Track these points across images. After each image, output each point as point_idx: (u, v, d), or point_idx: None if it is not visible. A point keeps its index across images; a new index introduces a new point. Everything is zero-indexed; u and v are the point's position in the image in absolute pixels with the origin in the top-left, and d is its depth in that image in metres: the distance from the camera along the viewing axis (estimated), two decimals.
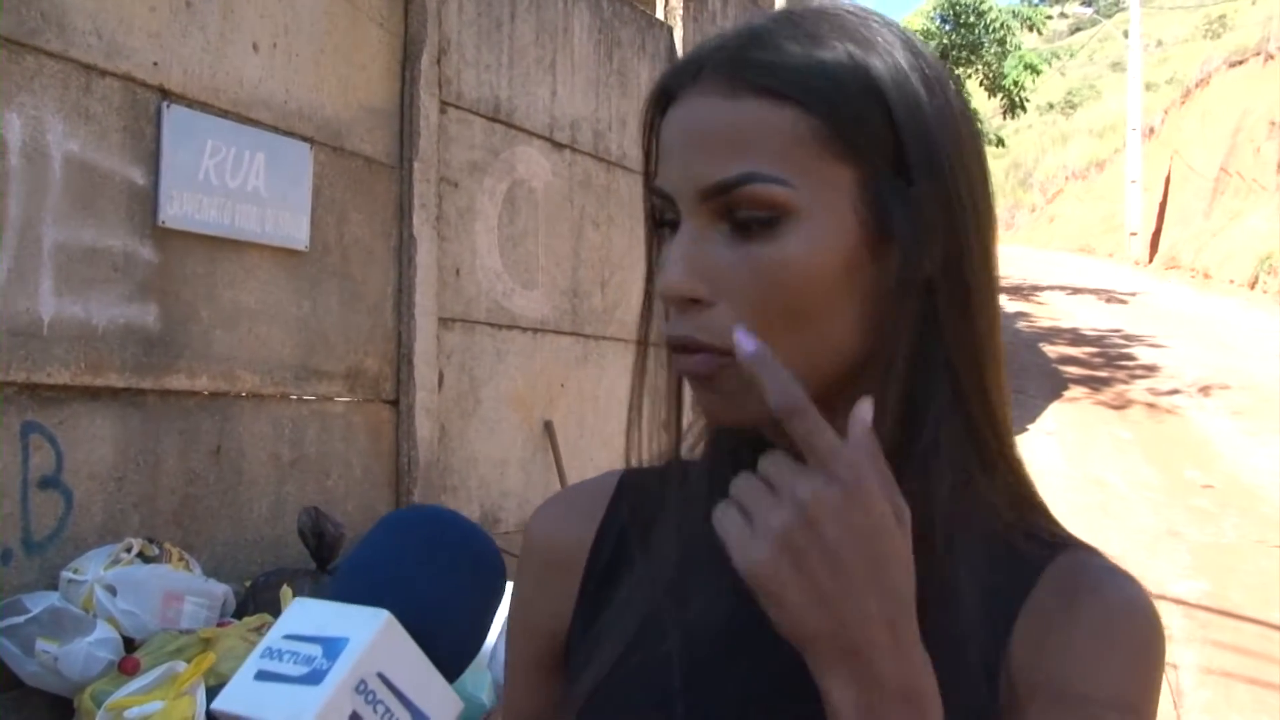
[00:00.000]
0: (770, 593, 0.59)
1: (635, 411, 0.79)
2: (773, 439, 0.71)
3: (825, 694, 0.60)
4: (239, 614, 3.19)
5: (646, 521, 0.77)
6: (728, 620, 0.71)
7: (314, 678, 0.53)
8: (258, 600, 3.25)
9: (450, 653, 0.59)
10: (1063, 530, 0.76)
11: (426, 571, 0.60)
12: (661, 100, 0.71)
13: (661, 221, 0.71)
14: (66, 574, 2.92)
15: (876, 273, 0.67)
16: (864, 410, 0.61)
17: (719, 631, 0.71)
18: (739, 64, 0.67)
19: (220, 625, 3.05)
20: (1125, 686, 0.68)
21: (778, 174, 0.65)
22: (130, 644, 2.90)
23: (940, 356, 0.68)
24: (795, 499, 0.59)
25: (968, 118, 0.70)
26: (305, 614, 0.58)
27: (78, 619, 2.83)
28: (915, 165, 0.66)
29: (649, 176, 0.72)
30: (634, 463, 0.79)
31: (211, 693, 2.72)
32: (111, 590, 2.89)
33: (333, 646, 0.54)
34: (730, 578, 0.65)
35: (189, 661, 2.78)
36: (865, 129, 0.66)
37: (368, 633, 0.54)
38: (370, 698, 0.54)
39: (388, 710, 0.54)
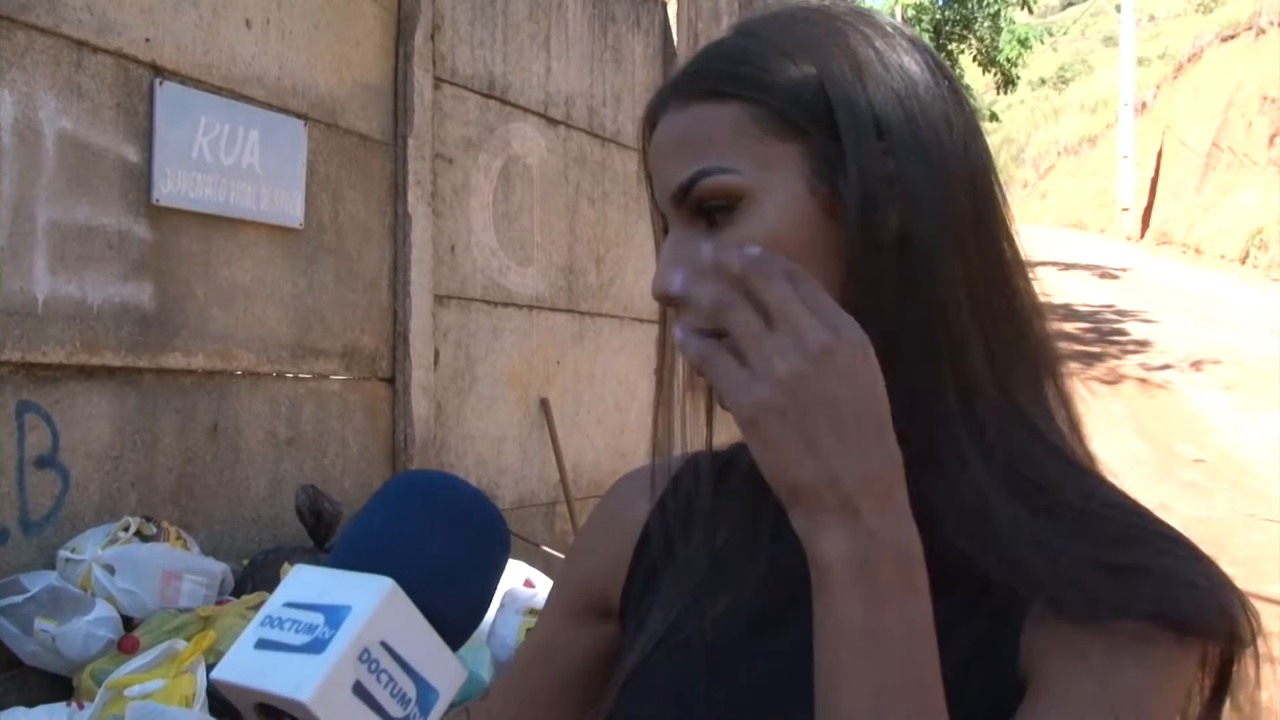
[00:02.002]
0: (768, 437, 0.61)
1: (662, 407, 0.85)
2: None
3: (812, 550, 0.62)
4: (237, 592, 3.20)
5: (697, 505, 0.82)
6: (759, 606, 0.75)
7: (316, 646, 0.53)
8: (256, 578, 3.26)
9: (454, 621, 0.58)
10: (1116, 494, 0.74)
11: (430, 538, 0.59)
12: (649, 127, 0.78)
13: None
14: (64, 553, 2.93)
15: (842, 236, 0.71)
16: None
17: (747, 616, 0.75)
18: (690, 77, 0.75)
19: (219, 603, 3.06)
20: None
21: (725, 164, 0.71)
22: (129, 623, 2.90)
23: (909, 309, 0.71)
24: (806, 346, 0.61)
25: (927, 84, 0.73)
26: (306, 581, 0.57)
27: (76, 598, 2.83)
28: (848, 131, 0.71)
29: (652, 196, 0.78)
30: (659, 455, 0.86)
31: (212, 671, 2.73)
32: (110, 569, 2.89)
33: (335, 615, 0.54)
34: (763, 562, 0.72)
35: (188, 640, 2.79)
36: (802, 106, 0.71)
37: (371, 601, 0.54)
38: (374, 666, 0.53)
39: (391, 679, 0.54)
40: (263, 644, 0.55)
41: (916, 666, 0.61)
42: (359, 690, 0.53)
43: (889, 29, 0.75)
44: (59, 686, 2.82)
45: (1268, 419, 8.90)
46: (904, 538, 0.62)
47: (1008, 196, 0.78)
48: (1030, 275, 0.76)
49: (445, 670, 0.56)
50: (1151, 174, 20.70)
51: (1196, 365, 10.75)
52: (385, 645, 0.54)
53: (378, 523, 0.61)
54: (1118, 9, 22.80)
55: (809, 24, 0.74)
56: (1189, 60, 21.68)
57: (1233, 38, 19.87)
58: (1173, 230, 18.82)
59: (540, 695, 0.88)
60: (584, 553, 0.91)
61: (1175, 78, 22.26)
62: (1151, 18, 29.94)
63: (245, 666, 0.55)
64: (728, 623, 0.75)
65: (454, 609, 0.59)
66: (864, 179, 0.70)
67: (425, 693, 0.55)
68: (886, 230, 0.70)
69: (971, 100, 0.76)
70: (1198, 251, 17.43)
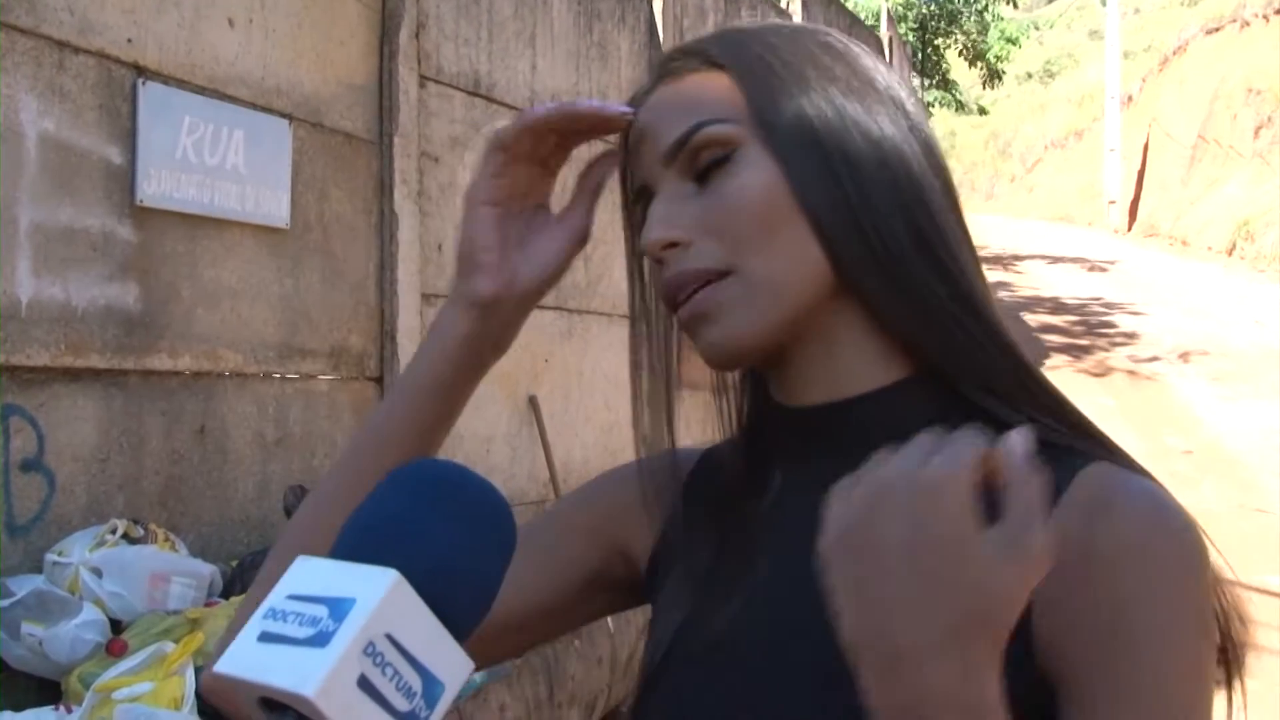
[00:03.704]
0: (828, 583, 0.58)
1: (638, 403, 0.84)
2: (771, 378, 0.78)
3: (866, 697, 0.57)
4: (226, 594, 3.18)
5: (706, 499, 0.83)
6: (767, 612, 0.74)
7: (320, 640, 0.52)
8: (245, 580, 3.23)
9: (460, 612, 0.57)
10: (1080, 429, 0.74)
11: (436, 528, 0.58)
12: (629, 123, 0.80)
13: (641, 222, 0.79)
14: (51, 557, 2.90)
15: (818, 209, 0.74)
16: (1016, 441, 0.58)
17: (756, 622, 0.74)
18: (677, 57, 0.79)
19: (208, 605, 3.04)
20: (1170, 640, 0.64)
21: (723, 116, 0.74)
22: (117, 626, 2.88)
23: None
24: (874, 480, 0.58)
25: (897, 139, 0.77)
26: (309, 573, 0.56)
27: (63, 601, 2.81)
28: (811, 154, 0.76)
29: (626, 192, 0.82)
30: (643, 453, 0.85)
31: (201, 673, 2.72)
32: (97, 572, 2.87)
33: (339, 607, 0.53)
34: (763, 569, 0.73)
35: (177, 642, 2.77)
36: (779, 115, 0.75)
37: (376, 593, 0.53)
38: (379, 660, 0.52)
39: (396, 673, 0.53)
40: (265, 637, 0.54)
41: None
42: (364, 684, 0.52)
43: (880, 86, 0.78)
44: (46, 690, 2.80)
45: (1255, 409, 8.94)
46: (972, 693, 0.55)
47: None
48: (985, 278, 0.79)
49: (451, 663, 0.55)
50: (1138, 167, 20.77)
51: (1184, 357, 10.79)
52: (390, 638, 0.53)
53: (383, 512, 0.60)
54: (1103, 2, 22.87)
55: (798, 45, 0.78)
56: (1174, 53, 21.74)
57: (1218, 30, 19.94)
58: (1160, 223, 18.90)
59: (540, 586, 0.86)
60: (605, 497, 0.89)
61: (1161, 70, 22.32)
62: (1137, 10, 30.05)
63: (248, 660, 0.53)
64: (735, 629, 0.74)
65: (460, 600, 0.57)
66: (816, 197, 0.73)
67: (431, 686, 0.54)
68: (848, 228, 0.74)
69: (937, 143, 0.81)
70: (1184, 244, 17.50)
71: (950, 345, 0.73)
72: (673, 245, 0.74)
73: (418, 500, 0.59)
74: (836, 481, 0.71)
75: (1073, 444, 0.72)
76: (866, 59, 0.79)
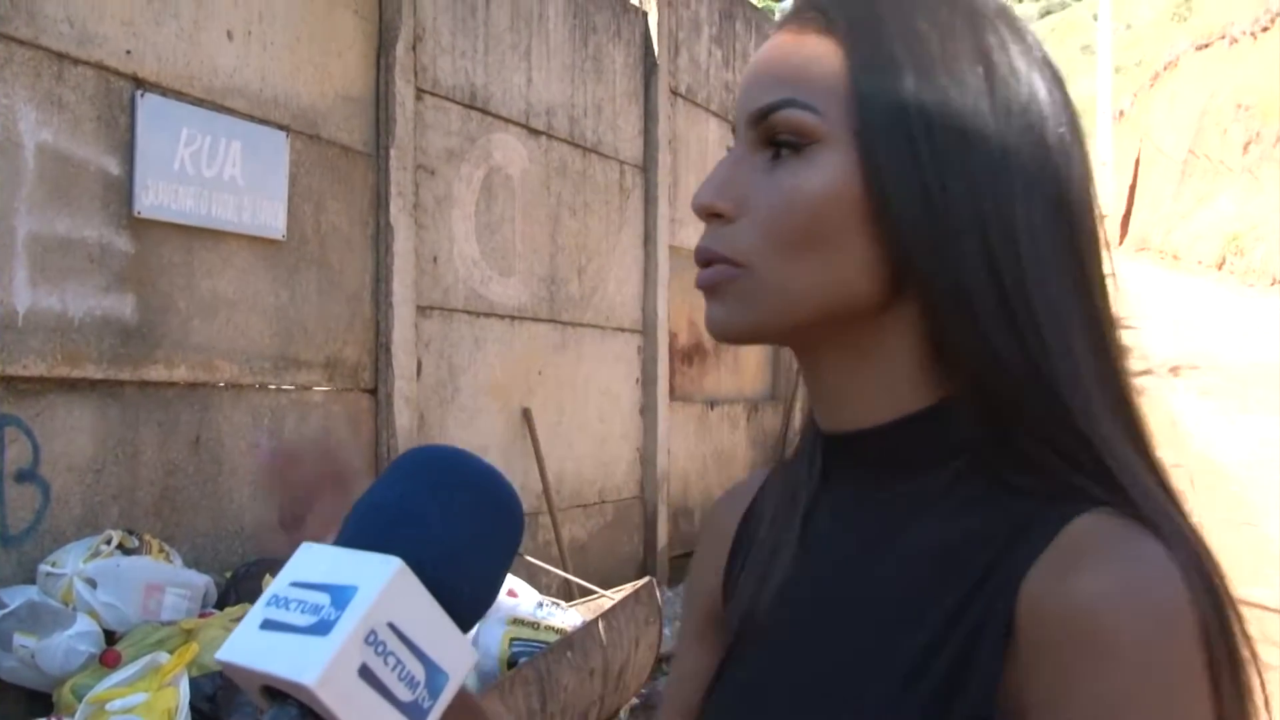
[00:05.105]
0: None
1: (787, 411, 0.85)
2: (798, 351, 0.75)
3: None
4: (220, 605, 3.18)
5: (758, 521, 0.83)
6: (797, 607, 0.74)
7: (322, 628, 0.51)
8: (239, 590, 3.24)
9: (465, 601, 0.56)
10: (1105, 474, 0.67)
11: (442, 516, 0.57)
12: None
13: None
14: (45, 567, 2.90)
15: (897, 218, 0.67)
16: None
17: (793, 615, 0.74)
18: (812, 6, 0.72)
19: (202, 616, 3.04)
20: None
21: (811, 102, 0.68)
22: (111, 637, 2.88)
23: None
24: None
25: (1045, 108, 0.70)
26: (313, 560, 0.56)
27: (56, 612, 2.81)
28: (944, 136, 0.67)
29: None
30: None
31: (195, 684, 2.71)
32: (91, 583, 2.87)
33: (341, 595, 0.52)
34: (793, 564, 0.73)
35: (171, 653, 2.76)
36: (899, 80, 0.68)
37: (378, 581, 0.53)
38: (381, 649, 0.52)
39: (399, 662, 0.52)
40: (268, 624, 0.53)
41: None
42: (365, 673, 0.52)
43: (1030, 40, 0.71)
44: (38, 702, 2.79)
45: (1244, 424, 8.96)
46: None
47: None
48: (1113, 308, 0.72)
49: (455, 652, 0.55)
50: (1130, 181, 20.84)
51: (1174, 371, 10.81)
52: (393, 627, 0.52)
53: (388, 499, 0.59)
54: (1095, 17, 22.96)
55: (939, 21, 0.69)
56: (1165, 68, 21.83)
57: (1207, 46, 20.03)
58: (1151, 236, 18.96)
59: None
60: (695, 576, 0.89)
61: (1152, 85, 22.41)
62: (1128, 26, 30.15)
63: (250, 647, 0.53)
64: (776, 621, 0.74)
65: (465, 589, 0.57)
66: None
67: (434, 675, 0.54)
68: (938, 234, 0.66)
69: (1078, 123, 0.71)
70: (1175, 257, 17.56)
71: (1000, 387, 0.67)
72: (717, 216, 0.71)
73: (423, 487, 0.59)
74: (856, 503, 0.73)
75: (1085, 488, 0.67)
76: (1019, 48, 0.70)
